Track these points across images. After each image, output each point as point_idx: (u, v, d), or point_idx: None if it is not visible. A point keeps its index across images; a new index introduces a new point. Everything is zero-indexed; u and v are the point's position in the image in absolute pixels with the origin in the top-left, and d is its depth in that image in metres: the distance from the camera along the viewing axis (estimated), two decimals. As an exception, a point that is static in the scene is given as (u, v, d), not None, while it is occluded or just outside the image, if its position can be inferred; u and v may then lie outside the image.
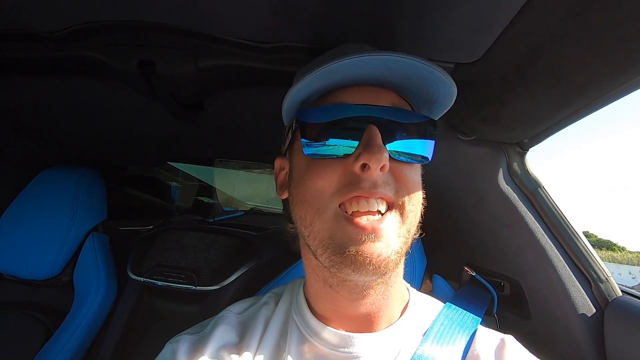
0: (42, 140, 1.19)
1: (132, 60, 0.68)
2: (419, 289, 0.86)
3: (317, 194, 0.48)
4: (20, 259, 1.10)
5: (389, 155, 0.47)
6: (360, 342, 0.51)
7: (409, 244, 0.50)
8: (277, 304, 0.60)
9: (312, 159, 0.50)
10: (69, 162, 1.27)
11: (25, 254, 1.09)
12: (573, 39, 0.49)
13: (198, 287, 1.05)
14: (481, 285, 0.91)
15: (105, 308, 1.14)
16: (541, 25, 0.50)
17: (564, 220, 0.80)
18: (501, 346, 0.54)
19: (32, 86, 0.88)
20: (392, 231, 0.47)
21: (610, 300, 0.75)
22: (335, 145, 0.48)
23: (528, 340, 0.59)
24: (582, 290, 0.76)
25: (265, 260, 1.17)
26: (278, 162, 0.62)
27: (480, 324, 0.63)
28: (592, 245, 0.79)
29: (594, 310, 0.75)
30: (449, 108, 0.54)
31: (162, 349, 0.57)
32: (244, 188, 2.43)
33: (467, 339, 0.57)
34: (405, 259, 0.51)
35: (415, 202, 0.50)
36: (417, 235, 0.53)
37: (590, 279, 0.77)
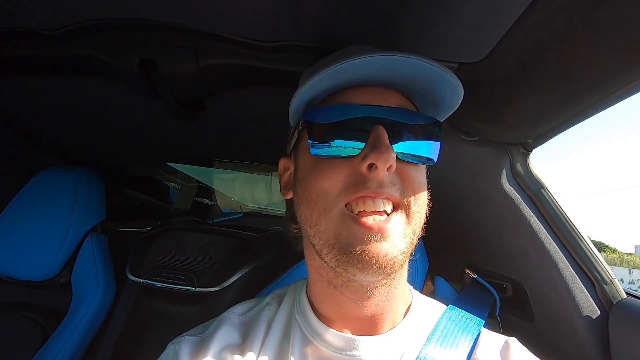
0: (41, 140, 1.18)
1: (132, 58, 0.68)
2: (421, 291, 0.85)
3: (324, 193, 0.48)
4: (17, 260, 1.09)
5: (396, 156, 0.47)
6: (365, 345, 0.51)
7: (414, 244, 0.50)
8: (279, 305, 0.60)
9: (318, 159, 0.50)
10: (67, 162, 1.26)
11: (23, 255, 1.08)
12: (580, 37, 0.48)
13: (198, 289, 1.04)
14: (483, 287, 0.90)
15: (104, 310, 1.13)
16: (547, 23, 0.49)
17: (567, 222, 0.80)
18: (506, 348, 0.54)
19: (31, 85, 0.87)
20: (398, 231, 0.47)
21: (614, 302, 0.74)
22: (343, 145, 0.48)
23: (531, 343, 0.58)
24: (586, 292, 0.76)
25: (266, 261, 1.16)
26: (282, 163, 0.62)
27: (483, 326, 0.62)
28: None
29: (599, 313, 0.74)
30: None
31: (161, 351, 0.56)
32: (243, 190, 2.42)
33: (471, 342, 0.56)
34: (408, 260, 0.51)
35: (420, 203, 0.50)
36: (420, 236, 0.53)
37: (594, 281, 0.76)
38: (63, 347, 1.01)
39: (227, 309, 0.62)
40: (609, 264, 0.77)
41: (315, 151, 0.49)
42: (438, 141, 0.52)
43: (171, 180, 2.29)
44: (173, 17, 0.61)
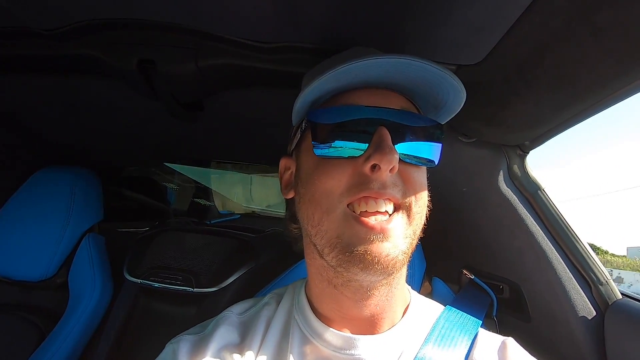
0: (39, 140, 1.17)
1: (131, 58, 0.68)
2: (418, 292, 0.85)
3: (327, 193, 0.49)
4: (14, 260, 1.08)
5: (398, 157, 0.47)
6: (364, 344, 0.51)
7: (414, 245, 0.50)
8: (278, 305, 0.60)
9: (321, 159, 0.50)
10: (65, 162, 1.26)
11: (20, 255, 1.08)
12: (578, 40, 0.48)
13: (196, 289, 1.04)
14: (480, 288, 0.91)
15: (100, 310, 1.13)
16: (546, 25, 0.49)
17: (563, 223, 0.80)
18: (503, 348, 0.54)
19: (29, 84, 0.86)
20: (400, 232, 0.47)
21: (610, 303, 0.75)
22: (346, 146, 0.49)
23: (528, 343, 0.59)
24: (582, 292, 0.76)
25: (264, 262, 1.16)
26: (283, 162, 0.62)
27: (481, 326, 0.63)
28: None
29: (594, 313, 0.75)
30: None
31: (159, 351, 0.56)
32: (241, 191, 2.42)
33: (469, 342, 0.57)
34: None
35: (421, 204, 0.51)
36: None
37: (590, 282, 0.77)
38: (60, 347, 1.01)
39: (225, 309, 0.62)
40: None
41: (319, 151, 0.50)
42: (440, 143, 0.53)
43: (169, 181, 2.28)
44: (172, 17, 0.61)
